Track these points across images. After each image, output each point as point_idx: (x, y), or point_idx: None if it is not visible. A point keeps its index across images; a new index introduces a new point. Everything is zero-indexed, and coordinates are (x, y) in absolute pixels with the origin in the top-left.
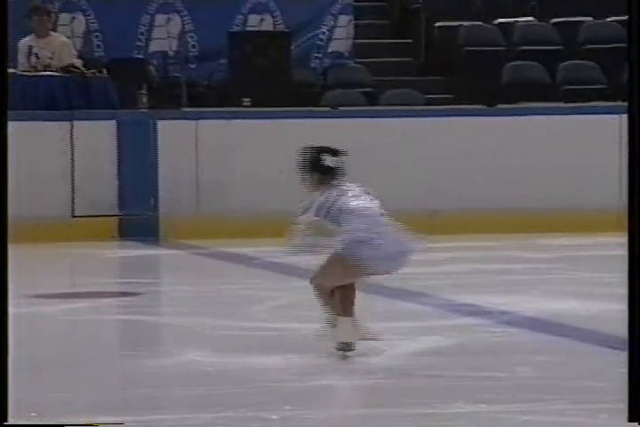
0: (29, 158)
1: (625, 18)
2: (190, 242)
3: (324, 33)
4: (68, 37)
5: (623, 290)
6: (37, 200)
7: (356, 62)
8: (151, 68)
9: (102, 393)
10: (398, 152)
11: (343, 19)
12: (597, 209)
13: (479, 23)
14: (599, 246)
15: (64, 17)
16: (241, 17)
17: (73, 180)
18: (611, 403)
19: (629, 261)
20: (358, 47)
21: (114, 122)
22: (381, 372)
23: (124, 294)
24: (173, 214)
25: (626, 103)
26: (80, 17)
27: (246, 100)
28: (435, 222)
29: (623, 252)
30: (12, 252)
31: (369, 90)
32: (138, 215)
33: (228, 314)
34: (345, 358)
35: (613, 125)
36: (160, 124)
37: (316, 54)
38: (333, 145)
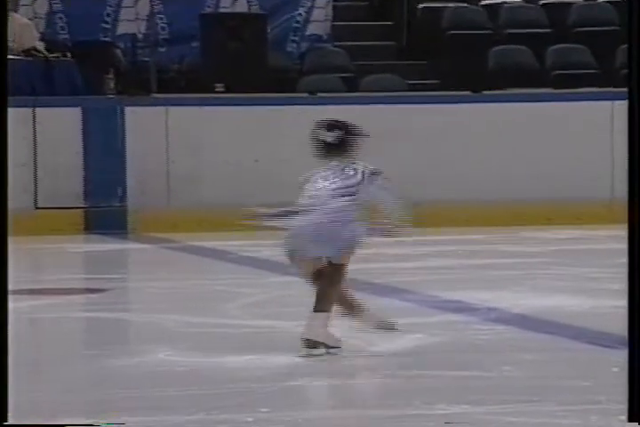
0: None
1: None
2: (160, 235)
3: (300, 15)
4: (29, 19)
5: (614, 285)
6: None
7: (335, 46)
8: (118, 51)
9: (64, 395)
10: (379, 140)
11: (321, 0)
12: (588, 200)
13: (464, 5)
14: (589, 239)
15: None
16: None
17: (36, 169)
18: (602, 403)
19: (629, 254)
20: (337, 30)
21: (79, 109)
22: (362, 371)
23: (90, 291)
24: (142, 206)
25: (618, 89)
26: None
27: (219, 85)
28: (417, 215)
29: (615, 245)
30: None
31: (348, 75)
32: (105, 207)
33: (200, 311)
34: (309, 356)
35: (605, 112)
36: (128, 111)
37: (293, 37)
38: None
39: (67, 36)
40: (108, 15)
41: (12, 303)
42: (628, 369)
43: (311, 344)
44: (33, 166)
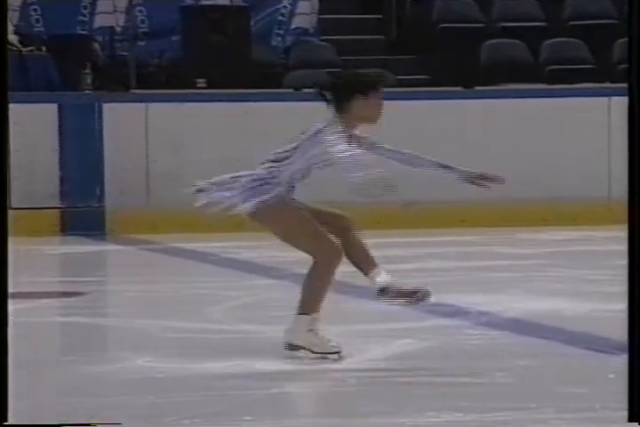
0: None
1: None
2: (140, 237)
3: (285, 7)
4: None
5: (612, 288)
6: None
7: (322, 40)
8: (96, 45)
9: (38, 402)
10: (369, 137)
11: None
12: (584, 200)
13: None
14: (586, 241)
15: None
16: None
17: (9, 168)
18: (598, 411)
19: (629, 255)
20: (323, 23)
21: (55, 105)
22: (350, 378)
23: (65, 295)
24: (121, 206)
25: (615, 85)
26: None
27: (201, 81)
28: (409, 215)
29: (613, 246)
30: None
31: (335, 70)
32: (82, 208)
33: (181, 315)
34: (290, 358)
35: (602, 108)
36: (106, 107)
37: (278, 31)
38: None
39: (42, 29)
40: (85, 7)
41: None
42: (629, 369)
43: (292, 347)
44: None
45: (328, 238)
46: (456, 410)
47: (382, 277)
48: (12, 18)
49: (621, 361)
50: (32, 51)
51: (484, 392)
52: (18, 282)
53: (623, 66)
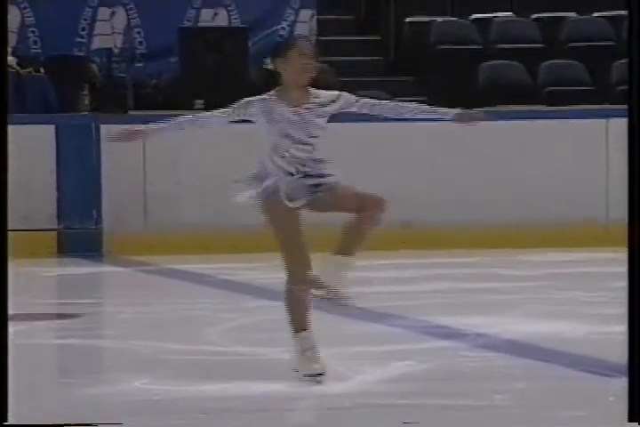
0: None
1: (611, 14)
2: (137, 258)
3: (283, 29)
4: None
5: (610, 310)
6: None
7: (319, 61)
8: (94, 66)
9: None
10: (366, 159)
11: (305, 13)
12: (583, 221)
13: (453, 19)
14: (585, 263)
15: None
16: (193, 11)
17: (7, 189)
18: None
19: (629, 277)
20: (321, 44)
21: (52, 126)
22: (348, 400)
23: (62, 316)
24: (118, 228)
25: (613, 106)
26: (14, 10)
27: (199, 102)
28: (407, 236)
29: (611, 268)
30: None
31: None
32: (79, 229)
33: (178, 337)
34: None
35: (600, 130)
36: (103, 128)
37: None
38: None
39: (39, 51)
40: (83, 29)
41: None
42: (628, 369)
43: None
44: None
45: (302, 266)
46: None
47: (329, 268)
48: (10, 39)
49: (621, 384)
50: (30, 72)
51: (482, 415)
52: (15, 304)
53: (621, 87)
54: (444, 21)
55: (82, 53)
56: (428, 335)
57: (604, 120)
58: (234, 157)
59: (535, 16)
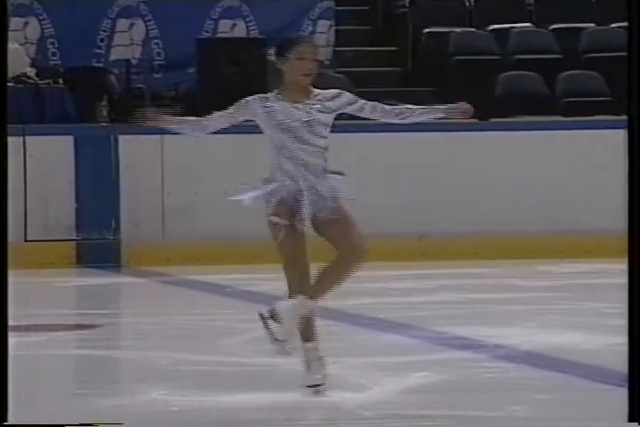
0: None
1: None
2: (155, 269)
3: None
4: (20, 44)
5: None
6: None
7: (337, 72)
8: (112, 77)
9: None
10: (383, 169)
11: (323, 24)
12: (600, 233)
13: (471, 29)
14: (602, 274)
15: (16, 21)
16: (211, 22)
17: (26, 200)
18: None
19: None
20: (339, 55)
21: (71, 137)
22: (365, 411)
23: (80, 327)
24: (136, 239)
25: None
26: (34, 21)
27: (216, 113)
28: (424, 247)
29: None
30: None
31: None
32: (97, 240)
33: (196, 348)
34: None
35: (617, 141)
36: (122, 139)
37: None
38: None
39: (58, 62)
40: (102, 40)
41: None
42: (628, 369)
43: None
44: (23, 197)
45: (300, 279)
46: None
47: (291, 306)
48: (30, 51)
49: None
50: (49, 83)
51: (500, 426)
52: (33, 314)
53: None
54: (462, 32)
55: (100, 65)
56: (445, 346)
57: (621, 131)
58: (251, 167)
59: (553, 27)
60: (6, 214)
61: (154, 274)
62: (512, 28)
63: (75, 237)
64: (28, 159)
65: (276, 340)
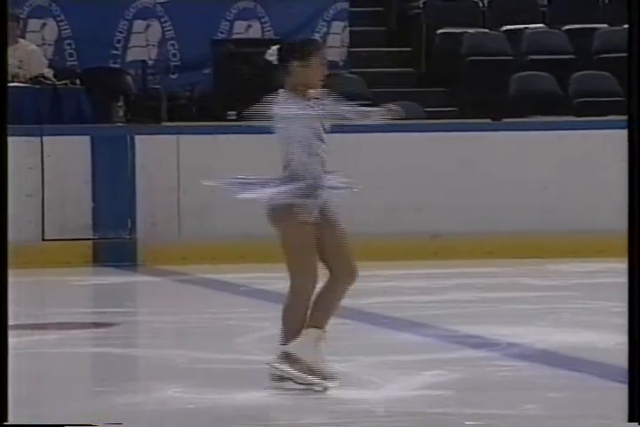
0: None
1: None
2: (171, 268)
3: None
4: (37, 45)
5: None
6: None
7: (351, 72)
8: (128, 78)
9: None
10: (397, 170)
11: (337, 25)
12: (611, 232)
13: (485, 30)
14: (614, 273)
15: (33, 23)
16: (226, 23)
17: (43, 200)
18: None
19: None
20: (353, 56)
21: (87, 137)
22: (379, 409)
23: (97, 325)
24: (152, 238)
25: None
26: (51, 23)
27: (232, 113)
28: (437, 246)
29: None
30: None
31: (365, 102)
32: (113, 239)
33: (211, 346)
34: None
35: None
36: (138, 139)
37: None
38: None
39: (75, 63)
40: (118, 41)
41: (17, 338)
42: (629, 369)
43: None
44: (40, 197)
45: (314, 269)
46: None
47: (305, 342)
48: (47, 52)
49: None
50: (66, 84)
51: (514, 424)
52: (50, 313)
53: None
54: (475, 33)
55: (117, 66)
56: (458, 345)
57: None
58: (268, 166)
59: (566, 27)
60: (6, 214)
61: (170, 273)
62: (525, 28)
63: (91, 237)
64: (45, 159)
65: (308, 384)
